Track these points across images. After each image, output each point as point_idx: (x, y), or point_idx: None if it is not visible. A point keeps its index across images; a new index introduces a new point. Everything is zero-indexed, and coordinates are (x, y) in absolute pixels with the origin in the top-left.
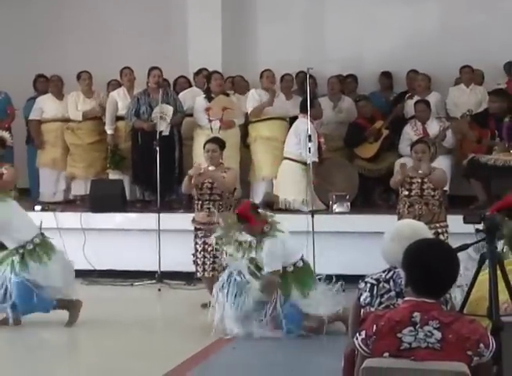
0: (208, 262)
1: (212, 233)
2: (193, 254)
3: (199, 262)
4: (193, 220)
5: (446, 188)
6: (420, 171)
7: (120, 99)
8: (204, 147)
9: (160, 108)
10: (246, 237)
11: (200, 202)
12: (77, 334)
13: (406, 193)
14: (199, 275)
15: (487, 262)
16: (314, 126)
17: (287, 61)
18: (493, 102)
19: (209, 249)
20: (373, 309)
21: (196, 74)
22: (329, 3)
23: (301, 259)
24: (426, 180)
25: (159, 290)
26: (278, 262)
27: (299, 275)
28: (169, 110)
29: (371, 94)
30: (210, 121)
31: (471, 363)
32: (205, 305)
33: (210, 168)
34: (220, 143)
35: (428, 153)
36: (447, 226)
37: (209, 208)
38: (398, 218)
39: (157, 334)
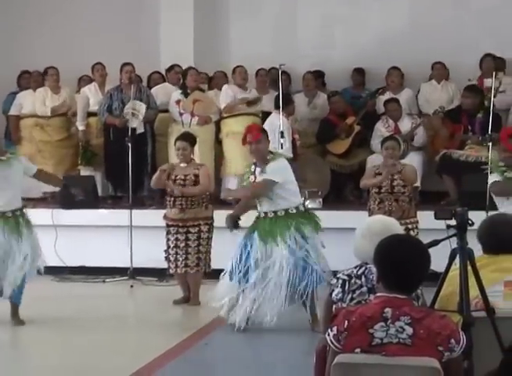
0: (181, 259)
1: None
2: (165, 251)
3: (171, 259)
4: (165, 216)
5: (418, 184)
6: (390, 162)
7: (92, 95)
8: (175, 144)
9: (132, 104)
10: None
11: (173, 198)
12: (48, 331)
13: (377, 189)
14: (171, 271)
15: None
16: (288, 122)
17: (260, 57)
18: (466, 97)
19: (181, 245)
20: (344, 305)
21: (168, 70)
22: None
23: (303, 205)
24: (396, 177)
25: (131, 286)
26: (278, 174)
27: (301, 216)
28: (141, 107)
29: (343, 90)
30: (181, 114)
31: (442, 358)
32: (177, 302)
33: (182, 164)
34: (190, 140)
35: (398, 149)
36: (417, 222)
37: (181, 205)
38: (369, 215)
39: (129, 330)
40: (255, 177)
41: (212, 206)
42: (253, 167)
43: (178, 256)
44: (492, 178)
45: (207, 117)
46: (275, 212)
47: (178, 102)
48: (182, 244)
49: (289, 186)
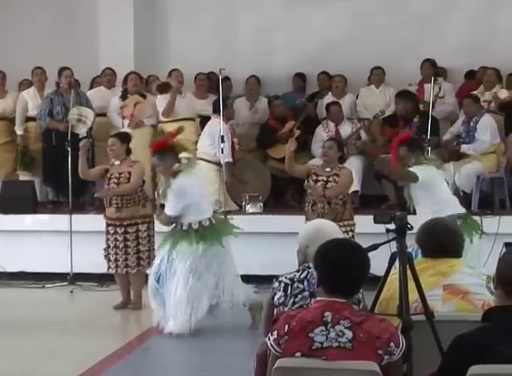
0: (121, 259)
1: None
2: (105, 250)
3: (111, 258)
4: (104, 215)
5: (358, 188)
6: (326, 169)
7: (31, 100)
8: None
9: (78, 110)
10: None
11: (109, 198)
12: None
13: (310, 191)
14: (111, 271)
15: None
16: (228, 126)
17: (200, 61)
18: (397, 104)
19: (120, 246)
20: (286, 309)
21: (101, 74)
22: (240, 4)
23: (209, 219)
24: (330, 179)
25: (71, 292)
26: (179, 202)
27: (204, 233)
28: (89, 113)
29: (283, 95)
30: (123, 117)
31: (382, 362)
32: (118, 307)
33: (116, 162)
34: (120, 137)
35: (335, 150)
36: (353, 225)
37: (117, 204)
38: (306, 217)
39: (70, 336)
40: None
41: (150, 204)
42: None
43: (118, 256)
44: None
45: (139, 120)
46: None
47: (122, 107)
48: (121, 245)
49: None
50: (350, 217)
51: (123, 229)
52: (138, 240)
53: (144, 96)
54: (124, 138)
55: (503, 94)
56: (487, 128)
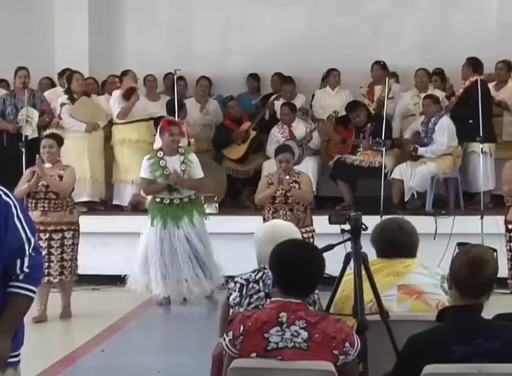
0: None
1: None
2: None
3: None
4: None
5: (313, 189)
6: (286, 177)
7: None
8: (41, 143)
9: (25, 111)
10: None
11: (35, 201)
12: None
13: (271, 199)
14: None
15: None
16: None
17: (156, 62)
18: (354, 118)
19: (43, 253)
20: (242, 309)
21: (60, 74)
22: (195, 5)
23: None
24: (290, 186)
25: None
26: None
27: (195, 204)
28: (34, 114)
29: (238, 96)
30: (60, 117)
31: (337, 362)
32: (36, 319)
33: (47, 165)
34: (57, 139)
35: (292, 160)
36: (313, 231)
37: (43, 207)
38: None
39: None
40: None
41: (78, 211)
42: (160, 155)
43: None
44: None
45: (95, 123)
46: (181, 199)
47: (62, 105)
48: (44, 252)
49: None
50: (310, 223)
51: (47, 235)
52: (62, 248)
53: (89, 95)
54: (61, 140)
55: (440, 96)
56: (445, 130)
